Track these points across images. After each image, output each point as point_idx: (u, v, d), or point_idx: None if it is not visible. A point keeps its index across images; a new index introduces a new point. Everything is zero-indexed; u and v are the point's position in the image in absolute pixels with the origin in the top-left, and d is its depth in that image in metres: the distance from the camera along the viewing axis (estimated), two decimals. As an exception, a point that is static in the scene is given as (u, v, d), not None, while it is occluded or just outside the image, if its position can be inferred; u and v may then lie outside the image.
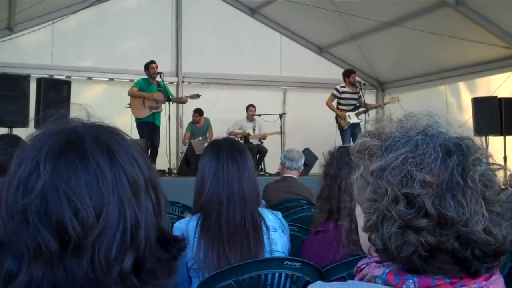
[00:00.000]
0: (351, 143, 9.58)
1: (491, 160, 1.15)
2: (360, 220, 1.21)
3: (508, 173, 1.17)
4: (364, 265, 1.20)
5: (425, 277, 1.09)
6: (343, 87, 10.51)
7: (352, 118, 10.35)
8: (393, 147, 1.14)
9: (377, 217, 1.11)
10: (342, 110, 10.43)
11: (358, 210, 1.23)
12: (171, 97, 9.72)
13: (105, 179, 0.86)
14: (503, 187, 1.13)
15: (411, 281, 1.09)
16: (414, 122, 1.18)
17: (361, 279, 1.18)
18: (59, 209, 0.83)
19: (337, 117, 10.46)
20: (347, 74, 10.59)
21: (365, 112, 10.36)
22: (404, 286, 1.09)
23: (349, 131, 10.24)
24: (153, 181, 0.93)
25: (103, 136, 0.91)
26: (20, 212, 0.84)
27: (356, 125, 10.28)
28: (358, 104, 10.50)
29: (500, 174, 1.15)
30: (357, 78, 10.94)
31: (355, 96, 10.53)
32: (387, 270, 1.13)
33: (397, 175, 1.09)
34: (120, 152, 0.90)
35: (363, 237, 1.21)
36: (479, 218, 1.06)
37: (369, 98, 11.95)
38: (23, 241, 0.83)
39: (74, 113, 0.97)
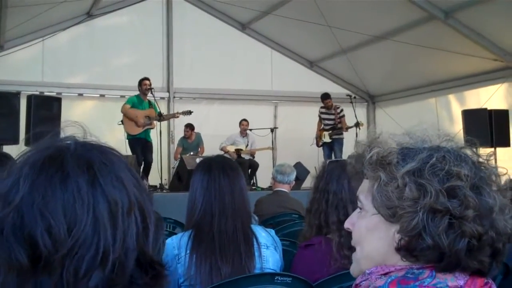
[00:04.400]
0: (333, 157, 10.21)
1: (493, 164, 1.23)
2: (380, 231, 1.20)
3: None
4: (363, 282, 1.19)
5: (428, 286, 1.10)
6: (322, 107, 11.28)
7: (326, 137, 11.10)
8: (410, 154, 1.19)
9: (423, 213, 1.11)
10: (322, 129, 11.19)
11: (374, 221, 1.21)
12: (162, 115, 9.69)
13: (81, 198, 0.86)
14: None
15: None
16: (412, 137, 1.25)
17: None
18: (32, 224, 0.83)
19: (316, 136, 11.30)
20: (322, 99, 11.20)
21: (345, 131, 10.93)
22: None
23: (326, 148, 11.10)
24: (141, 204, 0.92)
25: (87, 154, 0.91)
26: None
27: (333, 143, 10.96)
28: (334, 125, 11.09)
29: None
30: (347, 92, 11.56)
31: (332, 117, 11.15)
32: (389, 280, 1.13)
33: (438, 172, 1.14)
34: (103, 171, 0.90)
35: (374, 249, 1.21)
36: (510, 207, 1.15)
37: (360, 111, 12.01)
38: None
39: (70, 130, 0.96)
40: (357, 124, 10.62)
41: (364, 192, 1.25)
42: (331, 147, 11.00)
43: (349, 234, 1.31)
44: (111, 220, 0.87)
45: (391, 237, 1.17)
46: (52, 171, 0.87)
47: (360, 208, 1.27)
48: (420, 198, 1.12)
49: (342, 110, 11.13)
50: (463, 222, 1.10)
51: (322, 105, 11.20)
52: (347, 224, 1.30)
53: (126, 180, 0.92)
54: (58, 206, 0.85)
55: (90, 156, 0.91)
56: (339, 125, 10.98)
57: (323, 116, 11.25)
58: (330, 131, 11.05)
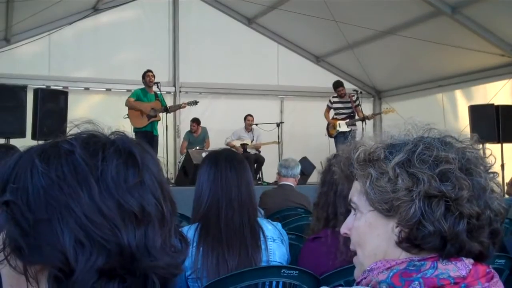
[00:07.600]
0: None
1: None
2: (378, 228, 1.20)
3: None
4: (364, 278, 1.19)
5: (430, 277, 1.10)
6: (335, 97, 10.80)
7: (342, 126, 10.59)
8: (396, 147, 1.20)
9: (419, 200, 1.13)
10: (335, 119, 10.71)
11: (371, 219, 1.21)
12: (168, 107, 9.72)
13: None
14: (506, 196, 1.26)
15: (416, 282, 1.10)
16: (393, 134, 1.26)
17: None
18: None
19: (328, 125, 10.77)
20: (334, 87, 10.82)
21: (361, 120, 10.40)
22: None
23: (341, 139, 10.37)
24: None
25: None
26: None
27: (349, 133, 10.32)
28: (352, 114, 10.69)
29: None
30: (354, 87, 11.22)
31: (348, 105, 10.74)
32: (391, 273, 1.13)
33: (426, 158, 1.15)
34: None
35: (375, 247, 1.20)
36: (500, 186, 1.19)
37: (367, 106, 11.97)
38: None
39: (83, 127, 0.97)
40: (364, 118, 10.41)
41: (356, 193, 1.25)
42: (347, 138, 9.86)
43: (346, 239, 1.30)
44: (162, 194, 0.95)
45: (390, 232, 1.17)
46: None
47: (355, 210, 1.27)
48: (414, 187, 1.13)
49: (358, 99, 10.72)
50: (459, 203, 1.11)
51: (334, 94, 10.75)
52: (343, 229, 1.29)
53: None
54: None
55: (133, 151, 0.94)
56: (355, 114, 10.59)
57: (337, 105, 10.74)
58: (348, 120, 10.60)
